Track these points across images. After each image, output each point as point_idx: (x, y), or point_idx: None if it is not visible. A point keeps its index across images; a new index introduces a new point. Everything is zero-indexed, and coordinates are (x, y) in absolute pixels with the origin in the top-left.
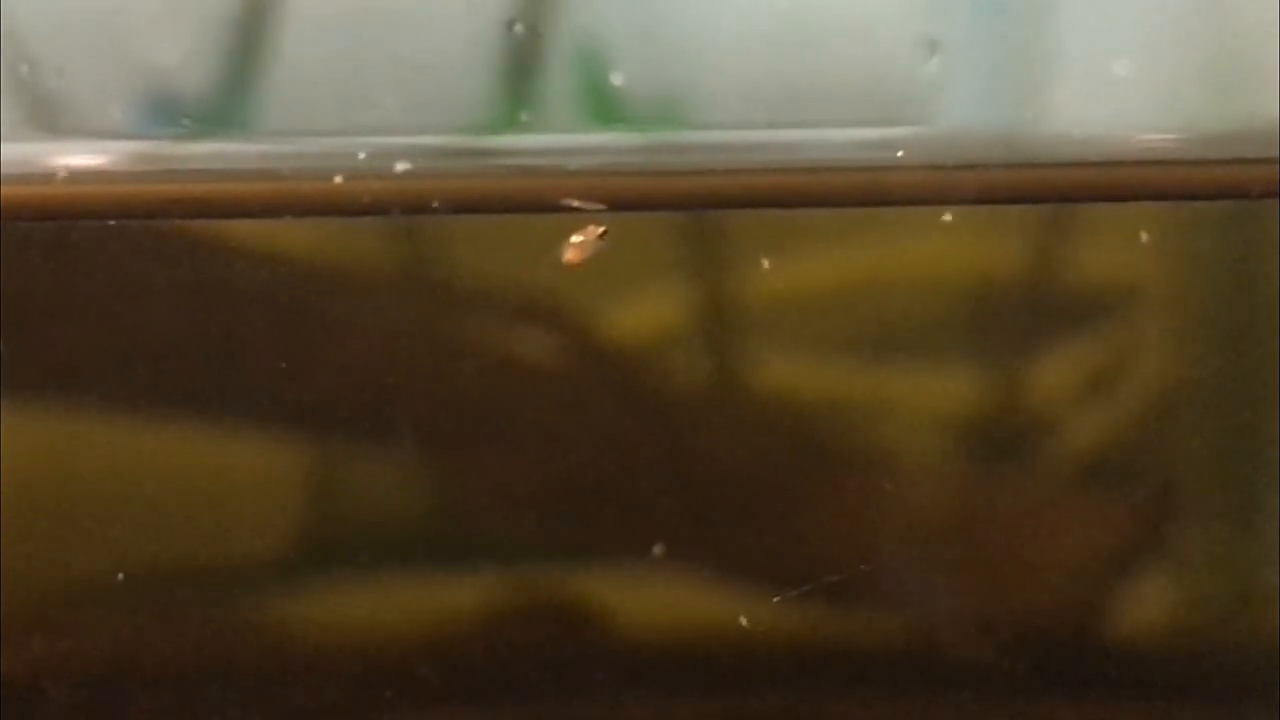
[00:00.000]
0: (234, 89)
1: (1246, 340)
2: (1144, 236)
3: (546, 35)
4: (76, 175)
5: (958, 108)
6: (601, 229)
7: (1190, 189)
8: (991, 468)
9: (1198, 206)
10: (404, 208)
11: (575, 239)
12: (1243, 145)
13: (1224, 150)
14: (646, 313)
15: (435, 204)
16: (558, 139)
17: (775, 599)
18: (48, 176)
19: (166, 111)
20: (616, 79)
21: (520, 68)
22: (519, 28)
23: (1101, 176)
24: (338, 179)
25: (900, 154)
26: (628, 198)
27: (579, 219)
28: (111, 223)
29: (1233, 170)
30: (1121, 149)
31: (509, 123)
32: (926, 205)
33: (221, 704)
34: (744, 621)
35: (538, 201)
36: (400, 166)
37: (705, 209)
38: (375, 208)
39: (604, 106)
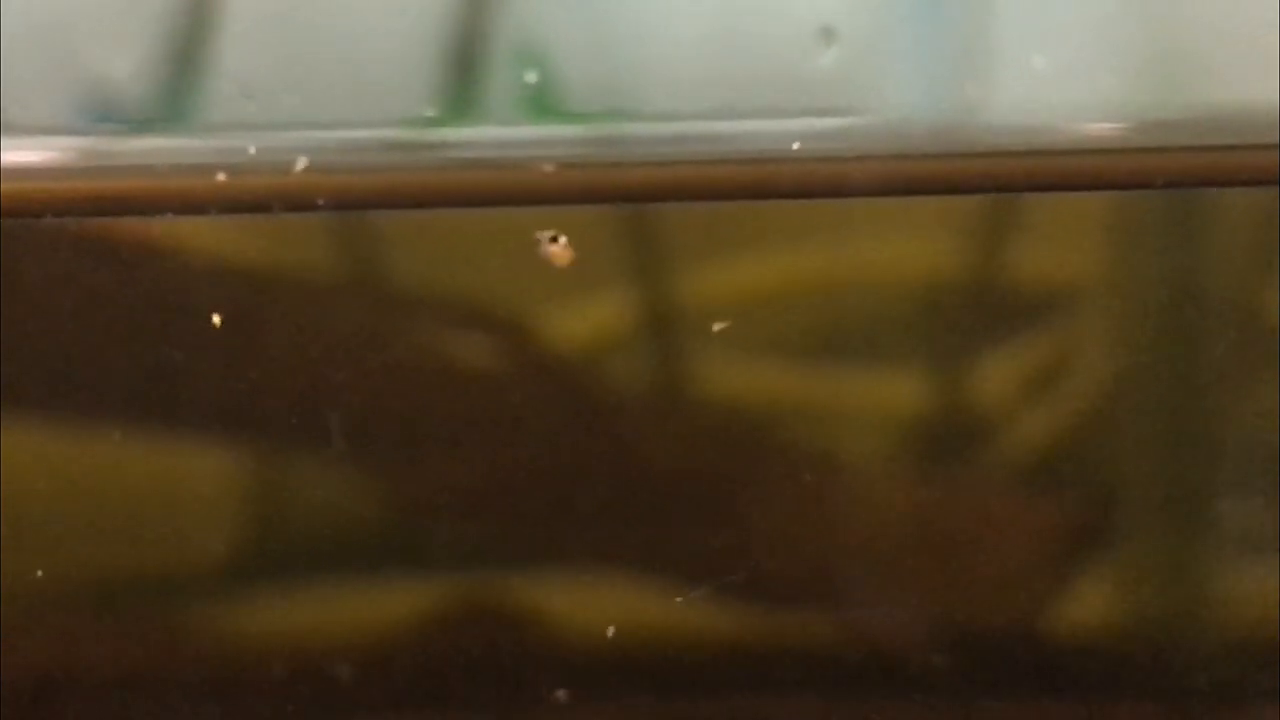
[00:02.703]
0: (180, 83)
1: (1193, 331)
2: (1087, 227)
3: (481, 29)
4: (16, 171)
5: (899, 98)
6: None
7: (1135, 178)
8: (938, 467)
9: (1140, 196)
10: (341, 204)
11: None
12: (1185, 133)
13: (1165, 139)
14: (584, 310)
15: (375, 200)
16: (493, 132)
17: (694, 592)
18: None
19: (111, 107)
20: (551, 73)
21: (456, 62)
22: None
23: (1043, 166)
24: (293, 174)
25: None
26: (565, 191)
27: (526, 217)
28: (46, 220)
29: (1177, 158)
30: (1062, 138)
31: (446, 117)
32: (869, 197)
33: (165, 711)
34: (687, 626)
35: (474, 196)
36: (342, 162)
37: (644, 202)
38: (311, 204)
39: (539, 100)
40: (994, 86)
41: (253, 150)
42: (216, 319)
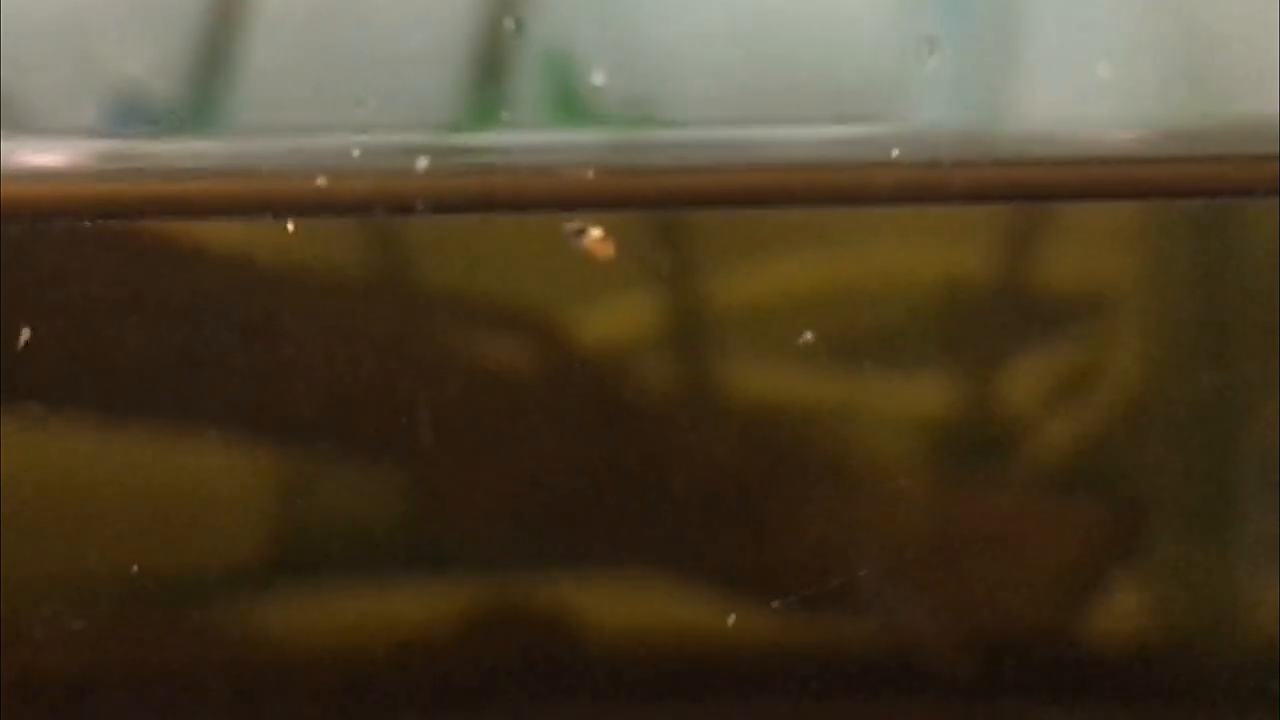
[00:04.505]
0: (205, 86)
1: (1226, 339)
2: (1111, 236)
3: (521, 33)
4: (42, 174)
5: (933, 106)
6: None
7: (1167, 187)
8: (966, 473)
9: (1173, 205)
10: (377, 207)
11: (596, 233)
12: (1217, 143)
13: (1197, 148)
14: (621, 316)
15: (416, 204)
16: (532, 137)
17: (768, 606)
18: (13, 175)
19: (136, 110)
20: (595, 78)
21: (494, 66)
22: (510, 22)
23: (1078, 174)
24: (320, 179)
25: (895, 152)
26: (605, 197)
27: (550, 220)
28: (76, 223)
29: (1210, 168)
30: (1097, 147)
31: (481, 121)
32: (903, 204)
33: (194, 713)
34: (719, 630)
35: (511, 201)
36: (376, 165)
37: (681, 208)
38: (346, 207)
39: (579, 105)
40: (1017, 97)
41: (357, 154)
42: (251, 323)
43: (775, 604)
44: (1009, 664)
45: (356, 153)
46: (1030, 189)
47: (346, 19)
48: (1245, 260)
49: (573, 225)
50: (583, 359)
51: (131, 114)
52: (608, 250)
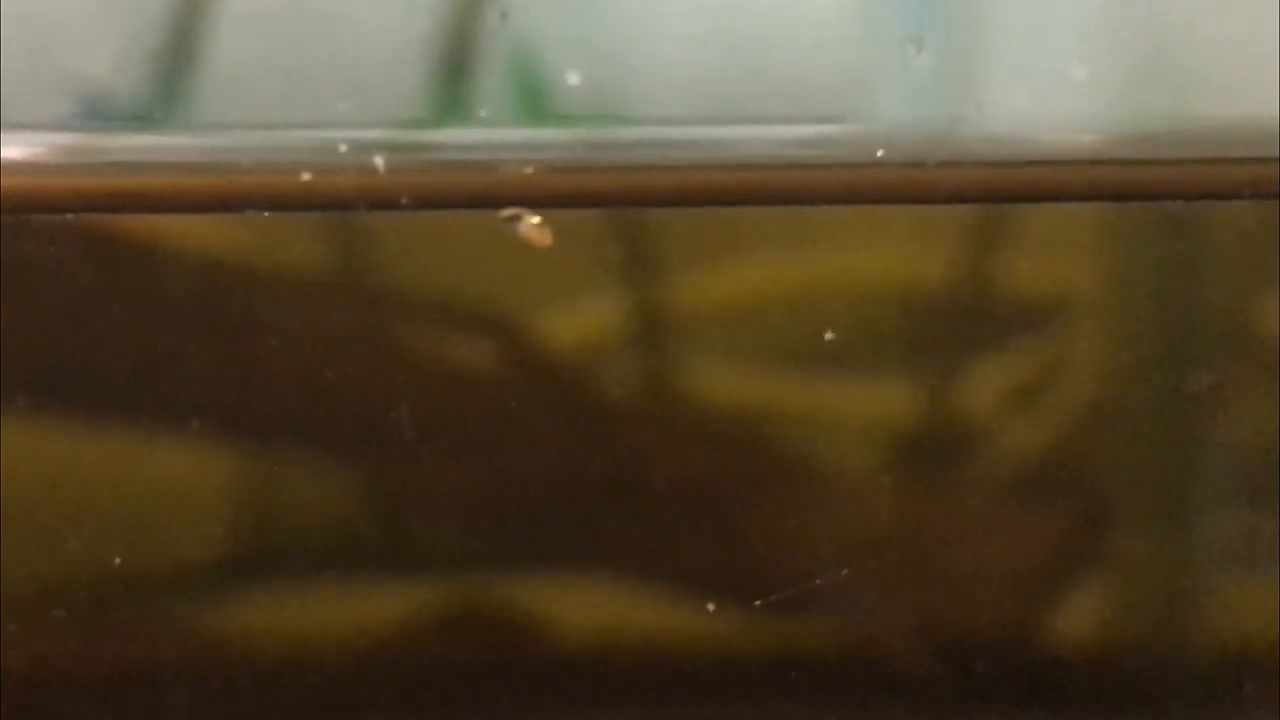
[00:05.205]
0: (168, 82)
1: (1202, 343)
2: (1084, 239)
3: (487, 30)
4: (17, 167)
5: (893, 106)
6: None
7: (1145, 189)
8: (929, 476)
9: (1150, 208)
10: (351, 203)
11: (534, 220)
12: (1186, 146)
13: (1176, 151)
14: (586, 315)
15: (367, 201)
16: (496, 134)
17: (735, 609)
18: None
19: (99, 104)
20: (571, 77)
21: (459, 63)
22: (496, 14)
23: (1053, 176)
24: (293, 175)
25: (880, 153)
26: (582, 196)
27: (511, 217)
28: (48, 217)
29: (1190, 171)
30: (1073, 149)
31: (446, 118)
32: (878, 205)
33: (166, 711)
34: (687, 632)
35: (475, 198)
36: (349, 161)
37: (645, 207)
38: (319, 202)
39: (544, 102)
40: (990, 96)
41: (344, 148)
42: (213, 320)
43: (742, 607)
44: (977, 667)
45: (344, 148)
46: (1006, 191)
47: (319, 14)
48: (1225, 264)
49: (508, 212)
50: (553, 359)
51: (100, 108)
52: (545, 238)
